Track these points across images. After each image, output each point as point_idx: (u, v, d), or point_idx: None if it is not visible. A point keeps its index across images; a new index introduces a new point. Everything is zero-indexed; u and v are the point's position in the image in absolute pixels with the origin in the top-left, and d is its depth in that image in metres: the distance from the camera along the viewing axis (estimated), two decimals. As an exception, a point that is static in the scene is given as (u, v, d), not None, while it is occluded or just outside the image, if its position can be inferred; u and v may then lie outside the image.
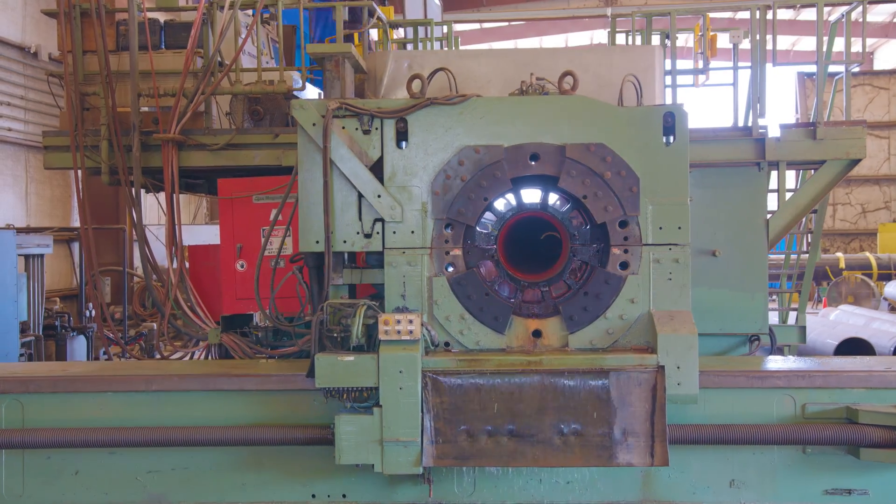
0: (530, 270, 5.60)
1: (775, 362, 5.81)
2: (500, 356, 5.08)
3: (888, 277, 17.43)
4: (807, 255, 7.63)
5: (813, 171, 7.03)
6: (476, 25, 32.85)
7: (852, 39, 7.21)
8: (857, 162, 6.79)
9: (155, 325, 10.89)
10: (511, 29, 33.13)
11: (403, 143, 5.16)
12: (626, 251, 5.19)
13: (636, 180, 5.16)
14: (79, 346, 11.62)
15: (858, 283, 15.18)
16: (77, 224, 15.21)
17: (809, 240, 7.81)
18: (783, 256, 8.44)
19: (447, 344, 5.16)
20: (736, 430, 5.05)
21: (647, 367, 5.03)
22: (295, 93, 7.02)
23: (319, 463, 5.19)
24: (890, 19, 28.14)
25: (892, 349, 7.74)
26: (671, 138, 5.17)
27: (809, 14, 25.46)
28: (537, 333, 5.24)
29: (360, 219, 5.17)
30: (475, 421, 4.99)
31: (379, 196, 5.12)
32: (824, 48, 6.88)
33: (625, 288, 5.19)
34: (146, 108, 7.08)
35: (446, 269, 5.18)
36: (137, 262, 14.56)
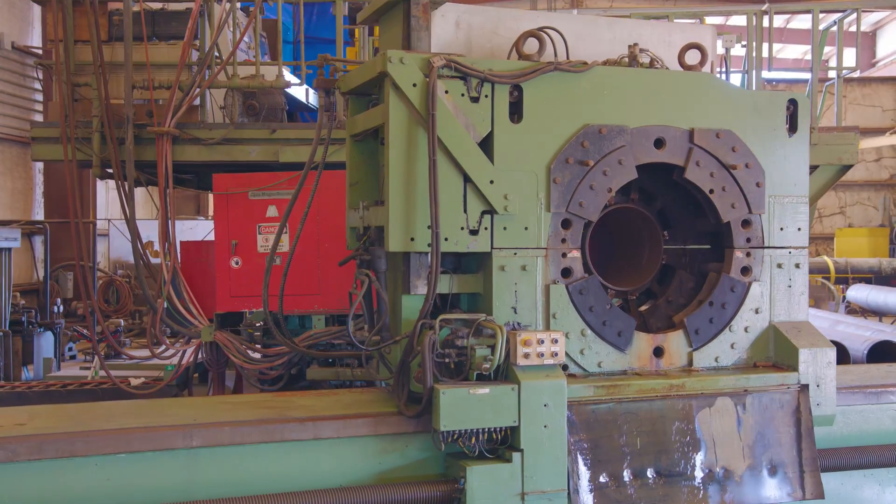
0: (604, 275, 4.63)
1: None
2: (638, 380, 4.04)
3: (845, 281, 18.32)
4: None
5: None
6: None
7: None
8: (849, 167, 6.59)
9: (122, 322, 9.59)
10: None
11: (514, 117, 3.99)
12: (748, 254, 4.40)
13: (762, 174, 4.40)
14: (45, 342, 10.39)
15: (818, 287, 15.77)
16: (38, 217, 15.33)
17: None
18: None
19: (565, 367, 4.02)
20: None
21: (790, 387, 4.25)
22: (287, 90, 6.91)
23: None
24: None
25: (866, 352, 7.74)
26: (794, 129, 4.47)
27: (795, 23, 26.28)
28: (659, 351, 4.27)
29: (466, 211, 3.89)
30: (617, 461, 3.91)
31: (492, 182, 3.89)
32: (831, 54, 6.63)
33: (749, 296, 4.39)
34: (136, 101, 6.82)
35: (564, 275, 4.05)
36: (99, 256, 14.67)
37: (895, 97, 25.27)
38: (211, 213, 19.18)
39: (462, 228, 3.88)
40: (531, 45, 4.10)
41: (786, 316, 4.47)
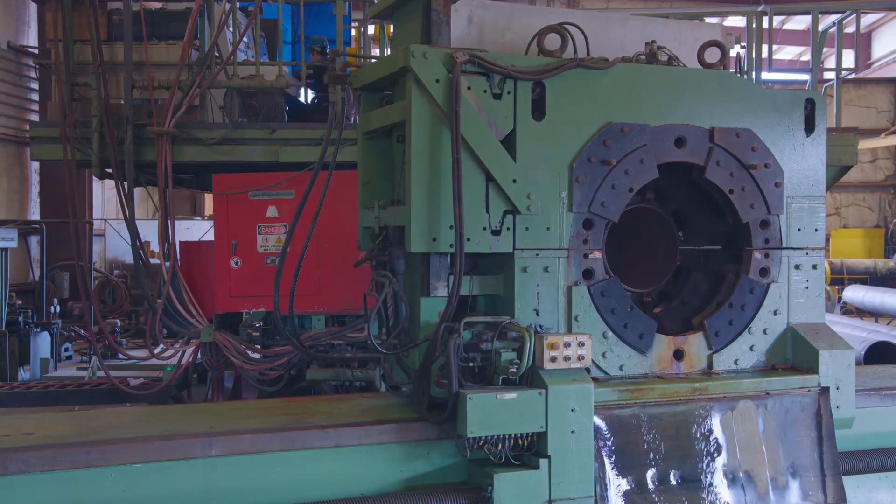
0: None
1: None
2: (661, 383, 3.91)
3: (841, 282, 18.09)
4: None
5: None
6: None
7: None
8: (848, 168, 6.50)
9: (118, 322, 9.33)
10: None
11: (536, 114, 3.84)
12: (766, 255, 4.28)
13: (781, 174, 4.28)
14: (42, 342, 10.16)
15: (814, 288, 15.73)
16: (34, 217, 15.17)
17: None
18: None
19: (587, 371, 3.88)
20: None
21: (810, 390, 4.15)
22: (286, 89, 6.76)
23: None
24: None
25: (863, 353, 7.68)
26: (811, 128, 4.37)
27: (790, 24, 26.02)
28: (679, 354, 4.14)
29: (488, 210, 3.74)
30: (641, 466, 3.77)
31: (515, 181, 3.73)
32: (828, 55, 6.54)
33: (767, 298, 4.27)
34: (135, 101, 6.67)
35: (586, 277, 3.92)
36: (95, 257, 14.55)
37: (890, 98, 24.99)
38: (207, 213, 18.86)
39: (484, 229, 3.71)
40: (552, 42, 3.96)
41: (803, 317, 4.35)
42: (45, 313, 11.31)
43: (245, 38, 7.00)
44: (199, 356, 6.89)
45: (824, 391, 4.13)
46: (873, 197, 25.54)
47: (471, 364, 3.53)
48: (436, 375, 3.63)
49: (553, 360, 3.51)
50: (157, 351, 6.72)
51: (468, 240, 3.65)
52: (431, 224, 3.63)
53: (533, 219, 3.78)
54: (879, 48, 28.32)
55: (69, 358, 10.92)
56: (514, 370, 3.46)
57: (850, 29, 7.70)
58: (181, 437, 3.17)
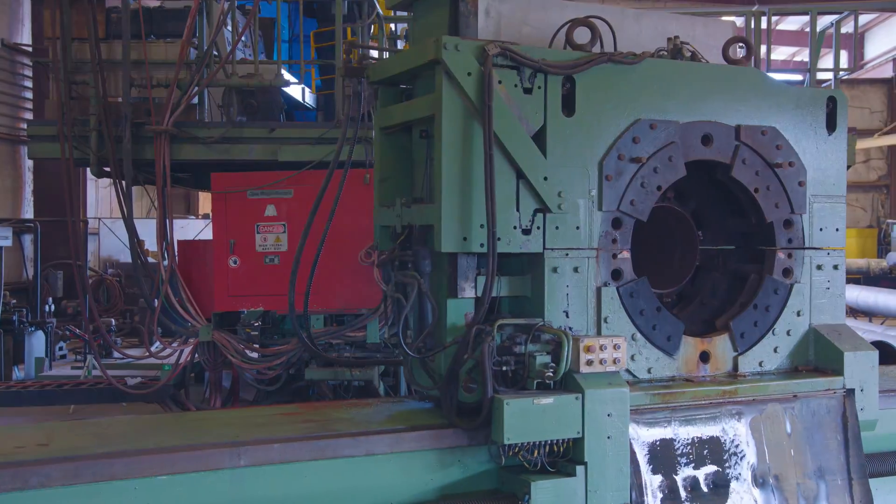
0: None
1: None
2: (691, 387, 3.74)
3: None
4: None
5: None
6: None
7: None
8: (847, 168, 6.40)
9: (113, 321, 9.05)
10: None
11: (566, 110, 3.66)
12: (789, 255, 4.16)
13: (804, 173, 4.15)
14: (37, 341, 9.90)
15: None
16: (27, 216, 14.83)
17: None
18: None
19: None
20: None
21: (836, 392, 4.03)
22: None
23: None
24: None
25: None
26: (833, 127, 4.25)
27: (783, 24, 25.78)
28: (705, 356, 4.00)
29: (518, 209, 3.56)
30: (672, 471, 3.62)
31: (546, 178, 3.55)
32: (824, 55, 6.46)
33: (791, 298, 4.14)
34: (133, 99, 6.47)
35: (615, 277, 3.75)
36: (89, 255, 14.27)
37: (883, 99, 24.88)
38: (202, 211, 18.46)
39: (515, 228, 3.51)
40: (581, 35, 3.78)
41: (825, 318, 4.20)
42: (40, 312, 11.01)
43: (242, 37, 6.79)
44: (195, 356, 6.66)
45: (849, 393, 4.01)
46: (866, 197, 25.37)
47: (503, 368, 3.35)
48: (463, 380, 3.46)
49: (589, 363, 3.33)
50: (154, 349, 6.47)
51: (499, 239, 3.48)
52: (462, 223, 3.44)
53: (563, 217, 3.59)
54: (872, 49, 28.36)
55: (63, 357, 10.60)
56: (551, 374, 3.28)
57: (844, 29, 7.64)
58: (207, 447, 2.93)
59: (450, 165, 3.40)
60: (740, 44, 4.10)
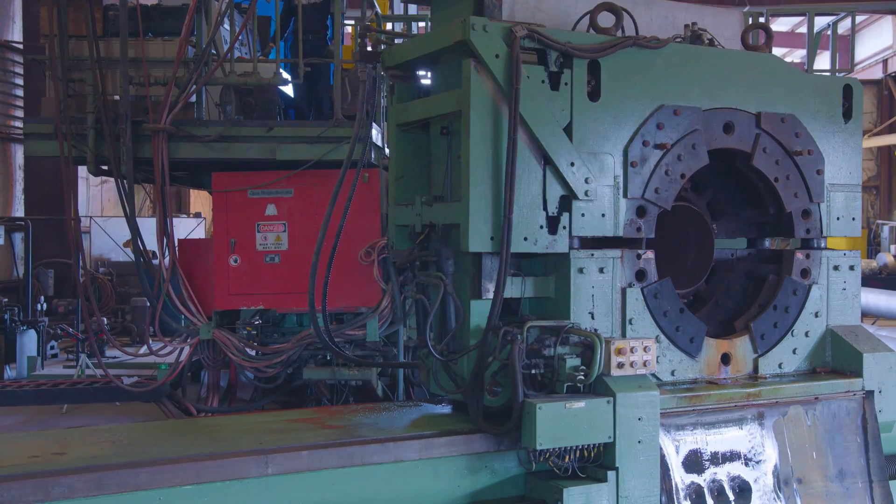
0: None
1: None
2: (716, 389, 3.62)
3: None
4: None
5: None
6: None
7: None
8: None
9: (105, 320, 8.78)
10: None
11: (592, 95, 3.52)
12: (807, 256, 4.07)
13: (822, 161, 4.04)
14: (29, 340, 9.63)
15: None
16: (18, 214, 14.41)
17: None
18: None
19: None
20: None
21: (855, 394, 3.95)
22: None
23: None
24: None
25: None
26: (849, 115, 4.17)
27: (775, 26, 25.81)
28: (726, 357, 3.90)
29: (545, 195, 3.36)
30: (698, 474, 3.52)
31: (572, 164, 3.40)
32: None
33: (809, 300, 4.06)
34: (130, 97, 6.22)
35: (639, 278, 3.64)
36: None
37: (873, 100, 24.51)
38: (193, 210, 18.11)
39: (541, 227, 3.39)
40: (606, 19, 3.66)
41: (842, 319, 4.11)
42: (32, 311, 10.65)
43: (239, 36, 6.61)
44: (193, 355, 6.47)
45: (868, 395, 3.92)
46: (856, 198, 25.68)
47: (532, 371, 3.22)
48: (488, 383, 3.32)
49: (620, 366, 3.20)
50: (156, 349, 6.27)
51: (525, 239, 3.32)
52: (490, 222, 3.29)
53: (589, 205, 3.46)
54: (862, 50, 28.58)
55: (55, 356, 10.28)
56: (582, 377, 3.14)
57: (843, 31, 7.61)
58: (233, 455, 2.74)
59: (478, 162, 3.23)
60: (760, 30, 3.99)
